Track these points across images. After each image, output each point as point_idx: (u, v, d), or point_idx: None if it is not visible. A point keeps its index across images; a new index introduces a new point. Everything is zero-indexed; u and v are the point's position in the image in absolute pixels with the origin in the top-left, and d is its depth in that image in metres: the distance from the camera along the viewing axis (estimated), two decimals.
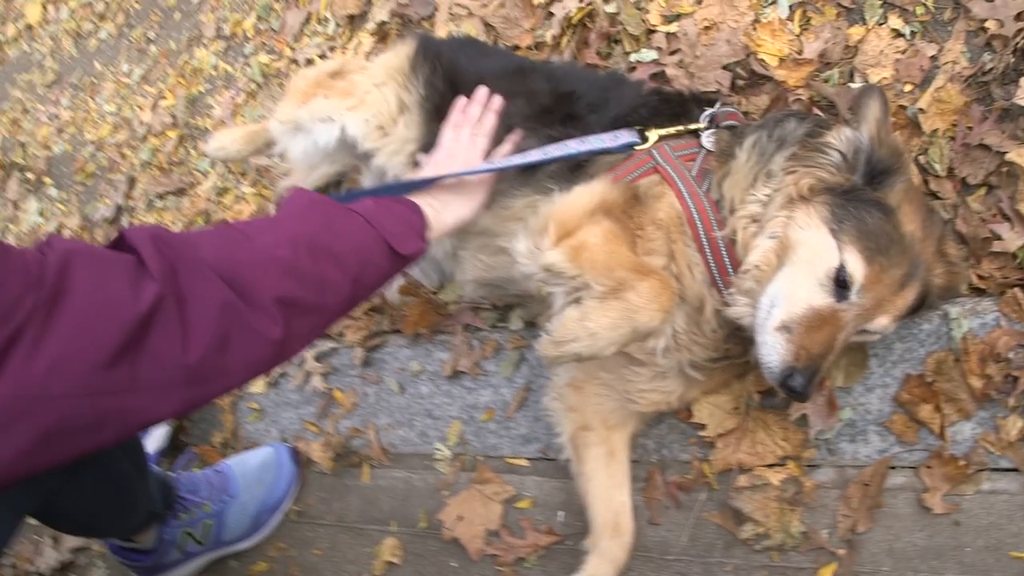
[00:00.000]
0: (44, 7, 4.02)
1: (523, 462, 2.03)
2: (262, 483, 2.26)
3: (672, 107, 1.81)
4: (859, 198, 1.48)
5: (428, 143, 1.94)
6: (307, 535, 2.24)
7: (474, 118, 1.84)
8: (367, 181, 2.28)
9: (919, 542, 1.58)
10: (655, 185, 1.66)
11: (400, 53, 2.12)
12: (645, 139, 1.71)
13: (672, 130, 1.72)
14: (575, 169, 1.72)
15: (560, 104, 1.83)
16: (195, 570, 2.28)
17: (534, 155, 1.70)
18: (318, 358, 2.39)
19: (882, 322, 1.47)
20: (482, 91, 1.88)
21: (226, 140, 2.54)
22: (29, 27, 4.06)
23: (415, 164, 2.00)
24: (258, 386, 2.48)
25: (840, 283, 1.43)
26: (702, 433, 1.79)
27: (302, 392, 2.41)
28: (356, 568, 2.13)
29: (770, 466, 1.73)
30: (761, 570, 1.69)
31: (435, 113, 1.97)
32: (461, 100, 1.88)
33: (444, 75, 2.00)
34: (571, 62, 2.22)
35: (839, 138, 1.53)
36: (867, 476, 1.65)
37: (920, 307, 1.52)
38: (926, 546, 1.58)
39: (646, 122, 1.72)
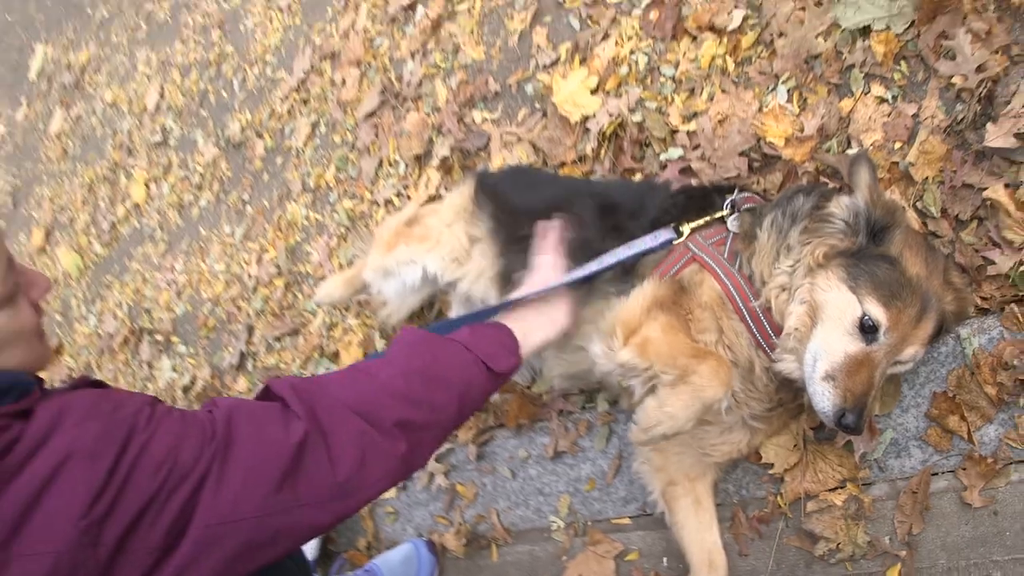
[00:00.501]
0: (147, 186, 4.65)
1: (626, 521, 2.40)
2: (407, 575, 2.67)
3: (697, 201, 2.18)
4: (867, 255, 1.82)
5: (504, 267, 2.37)
6: None
7: (551, 243, 2.21)
8: (455, 303, 2.72)
9: (966, 534, 1.90)
10: (695, 273, 2.04)
11: (463, 193, 2.56)
12: (680, 233, 2.10)
13: (701, 221, 2.11)
14: (627, 272, 2.11)
15: (605, 218, 2.24)
16: None
17: (592, 266, 2.09)
18: (438, 459, 2.82)
19: (910, 352, 1.81)
20: (553, 223, 2.27)
21: (330, 288, 3.04)
22: (136, 206, 4.68)
23: (500, 286, 2.42)
24: (390, 492, 2.91)
25: (867, 329, 1.77)
26: (771, 471, 2.14)
27: (429, 491, 2.84)
28: None
29: (832, 489, 2.07)
30: None
31: (504, 240, 2.39)
32: (539, 226, 2.28)
33: (504, 208, 2.44)
34: (611, 178, 2.64)
35: (840, 207, 1.88)
36: (914, 485, 1.98)
37: (940, 333, 1.86)
38: (972, 536, 1.89)
39: (678, 219, 2.08)
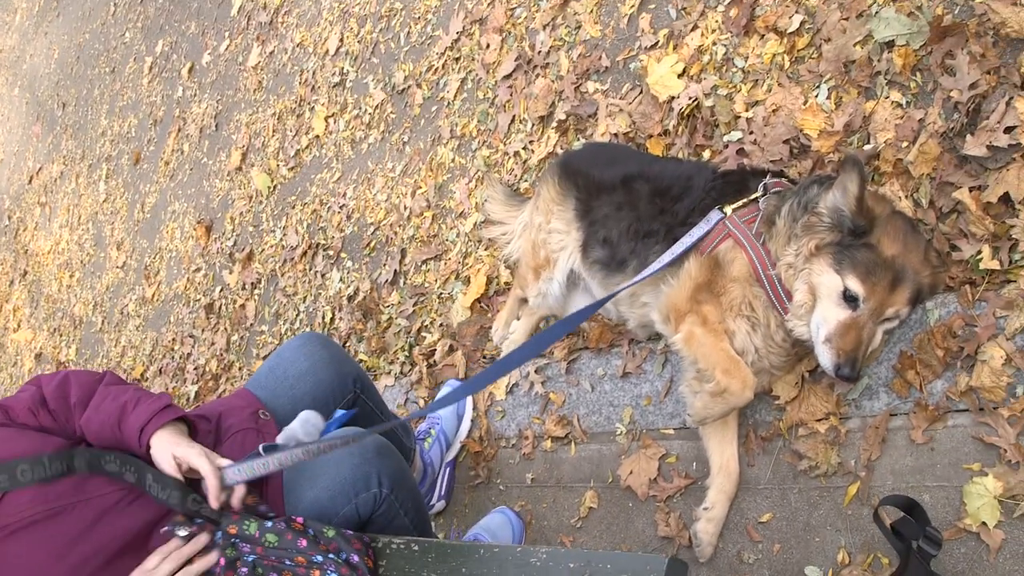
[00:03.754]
0: (326, 120, 5.51)
1: (670, 431, 3.09)
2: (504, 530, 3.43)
3: (735, 184, 2.76)
4: (849, 244, 2.40)
5: (583, 239, 3.03)
6: (538, 494, 3.42)
7: None
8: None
9: (909, 463, 2.49)
10: (730, 250, 2.63)
11: (550, 185, 3.18)
12: (725, 214, 2.68)
13: (740, 203, 2.70)
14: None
15: (656, 200, 2.85)
16: None
17: (656, 265, 2.63)
18: (537, 371, 3.57)
19: (892, 312, 2.39)
20: None
21: (500, 324, 3.76)
22: (317, 137, 5.57)
23: (583, 256, 3.08)
24: (500, 393, 3.69)
25: (849, 300, 2.36)
26: (778, 402, 2.78)
27: (529, 396, 3.60)
28: (570, 514, 3.27)
29: (818, 420, 2.69)
30: (814, 490, 2.66)
31: (584, 214, 3.03)
32: None
33: (583, 186, 3.07)
34: (671, 158, 3.25)
35: (827, 208, 2.43)
36: (877, 422, 2.58)
37: (919, 298, 2.44)
38: (913, 466, 2.48)
39: (718, 200, 2.66)
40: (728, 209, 2.65)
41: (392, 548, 2.38)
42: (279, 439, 2.46)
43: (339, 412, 2.74)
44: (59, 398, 2.38)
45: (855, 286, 2.34)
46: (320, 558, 2.18)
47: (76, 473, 2.17)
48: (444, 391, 3.84)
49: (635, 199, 2.87)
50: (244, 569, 2.13)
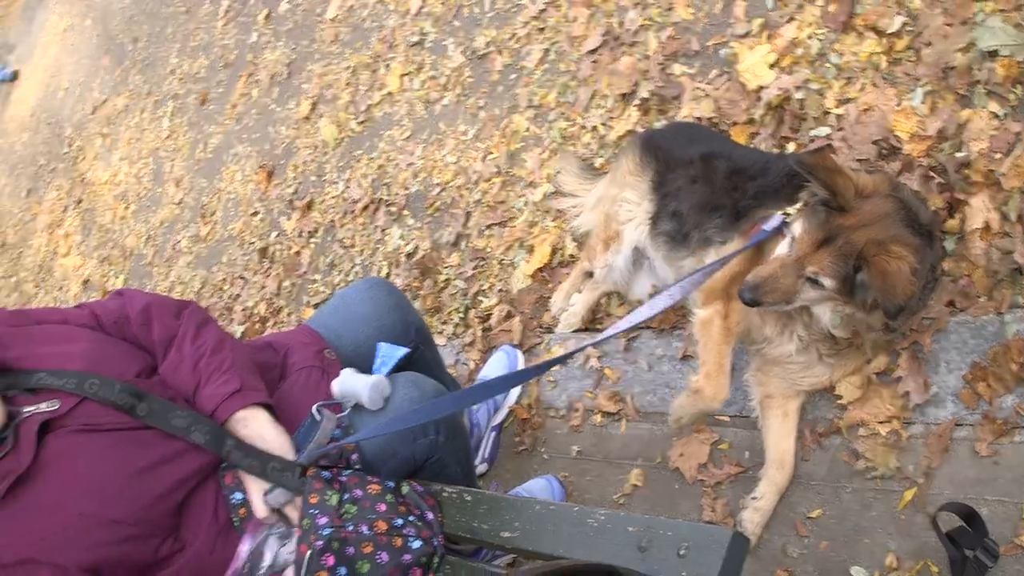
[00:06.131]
0: (401, 78, 5.54)
1: (725, 418, 3.10)
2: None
3: (792, 183, 2.68)
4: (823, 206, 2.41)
5: (655, 212, 3.07)
6: (582, 467, 3.45)
7: None
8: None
9: (970, 475, 2.50)
10: (772, 242, 2.66)
11: (630, 157, 3.22)
12: (788, 215, 2.64)
13: (791, 209, 2.63)
14: (737, 218, 2.79)
15: (731, 176, 2.87)
16: None
17: (695, 276, 2.58)
18: (594, 345, 3.59)
19: (811, 270, 2.38)
20: None
21: (561, 295, 3.81)
22: (390, 94, 5.60)
23: (652, 231, 3.11)
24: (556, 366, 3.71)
25: (791, 244, 2.45)
26: (840, 401, 2.79)
27: (583, 369, 3.63)
28: (613, 489, 3.30)
29: (880, 422, 2.69)
30: (869, 491, 2.67)
31: (659, 187, 3.08)
32: None
33: (662, 160, 3.11)
34: (752, 148, 3.25)
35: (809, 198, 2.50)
36: (942, 430, 2.58)
37: (848, 273, 2.35)
38: (974, 478, 2.49)
39: (777, 193, 2.70)
40: (791, 210, 2.63)
41: (443, 496, 2.42)
42: (335, 389, 2.50)
43: (396, 349, 2.73)
44: (142, 325, 2.42)
45: (795, 232, 2.44)
46: (400, 521, 2.21)
47: (134, 416, 2.21)
48: (497, 356, 3.87)
49: (711, 174, 2.92)
50: (319, 543, 2.12)
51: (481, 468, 3.75)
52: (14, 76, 14.85)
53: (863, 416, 2.74)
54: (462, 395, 2.69)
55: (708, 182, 2.90)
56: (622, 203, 3.20)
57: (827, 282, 2.39)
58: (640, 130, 3.78)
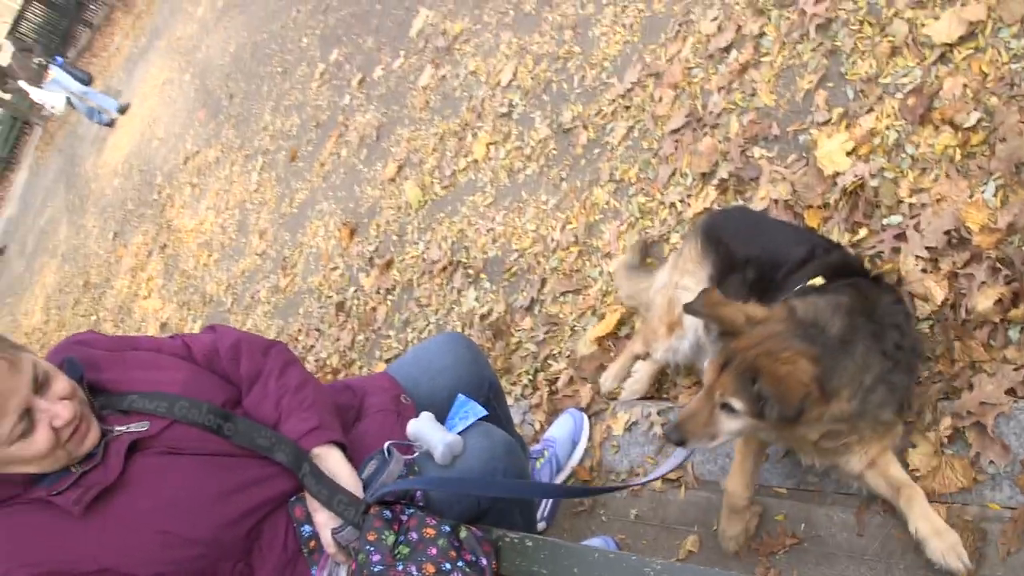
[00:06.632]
0: (487, 147, 5.80)
1: (783, 490, 3.20)
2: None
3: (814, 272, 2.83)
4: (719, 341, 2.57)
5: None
6: (639, 531, 3.55)
7: None
8: None
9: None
10: None
11: (692, 245, 3.33)
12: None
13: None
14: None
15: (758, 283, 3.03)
16: None
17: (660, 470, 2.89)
18: (659, 412, 3.72)
19: (719, 395, 2.47)
20: None
21: (611, 375, 3.98)
22: (475, 161, 5.86)
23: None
24: (618, 428, 3.85)
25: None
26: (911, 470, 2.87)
27: (646, 436, 3.75)
28: (668, 554, 3.39)
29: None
30: (920, 569, 2.74)
31: (718, 282, 3.18)
32: None
33: (722, 255, 3.20)
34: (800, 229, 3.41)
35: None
36: (1018, 515, 2.65)
37: (754, 393, 2.39)
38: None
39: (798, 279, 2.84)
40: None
41: (505, 541, 2.54)
42: (410, 429, 2.66)
43: (477, 408, 2.88)
44: (231, 360, 2.64)
45: (705, 366, 2.58)
46: (448, 566, 2.32)
47: (221, 436, 2.42)
48: (563, 418, 4.01)
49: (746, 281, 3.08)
50: None
51: (540, 526, 3.88)
52: (122, 109, 15.56)
53: (935, 487, 2.81)
54: (521, 486, 2.83)
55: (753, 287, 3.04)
56: (683, 291, 3.34)
57: (736, 403, 2.45)
58: (716, 207, 3.95)
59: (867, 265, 3.12)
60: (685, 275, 3.33)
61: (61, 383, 2.23)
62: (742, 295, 3.00)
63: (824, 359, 2.40)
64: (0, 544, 2.18)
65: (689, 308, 2.63)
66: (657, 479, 2.86)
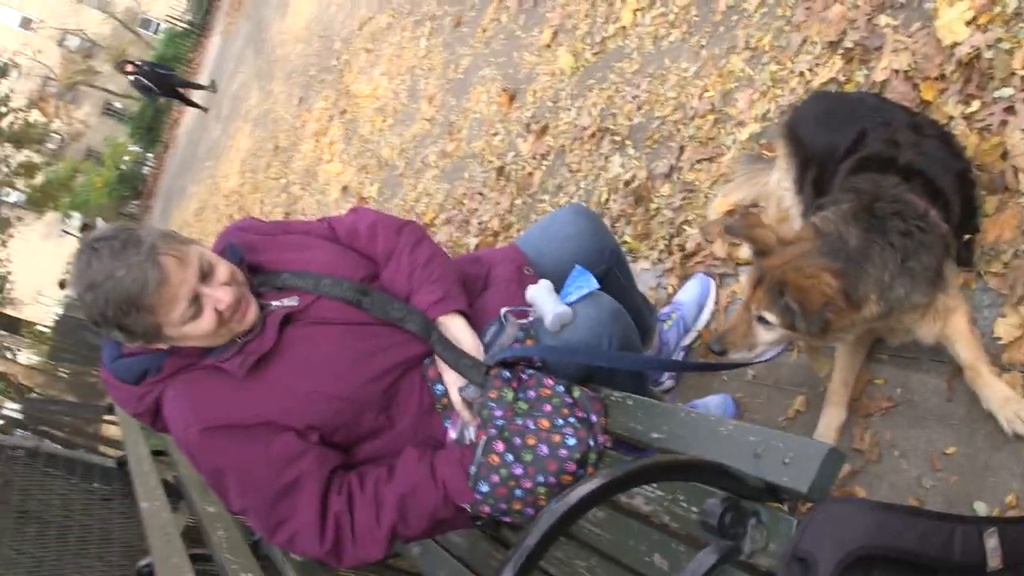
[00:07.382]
0: (634, 13, 5.94)
1: (884, 356, 3.42)
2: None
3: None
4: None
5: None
6: (755, 390, 3.86)
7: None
8: None
9: None
10: None
11: (781, 144, 3.46)
12: None
13: None
14: None
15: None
16: None
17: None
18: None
19: (754, 308, 2.79)
20: None
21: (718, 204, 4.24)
22: (623, 28, 6.01)
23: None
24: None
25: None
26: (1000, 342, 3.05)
27: None
28: (778, 412, 3.70)
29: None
30: (1000, 434, 2.93)
31: (800, 182, 3.35)
32: None
33: (799, 153, 3.33)
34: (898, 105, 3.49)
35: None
36: None
37: (785, 305, 2.69)
38: None
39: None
40: None
41: (611, 400, 2.91)
42: (528, 294, 3.01)
43: (590, 279, 3.19)
44: (369, 239, 3.09)
45: (742, 283, 2.79)
46: (561, 421, 2.68)
47: (360, 308, 2.87)
48: (691, 283, 4.30)
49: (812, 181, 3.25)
50: (493, 431, 2.65)
51: (667, 383, 4.25)
52: None
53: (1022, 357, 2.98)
54: (620, 356, 3.05)
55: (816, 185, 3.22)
56: (785, 192, 3.51)
57: (769, 316, 2.75)
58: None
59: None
60: (784, 175, 3.52)
61: (223, 270, 2.72)
62: (812, 196, 3.21)
63: (848, 272, 2.66)
64: (183, 403, 2.73)
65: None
66: (762, 361, 3.17)
